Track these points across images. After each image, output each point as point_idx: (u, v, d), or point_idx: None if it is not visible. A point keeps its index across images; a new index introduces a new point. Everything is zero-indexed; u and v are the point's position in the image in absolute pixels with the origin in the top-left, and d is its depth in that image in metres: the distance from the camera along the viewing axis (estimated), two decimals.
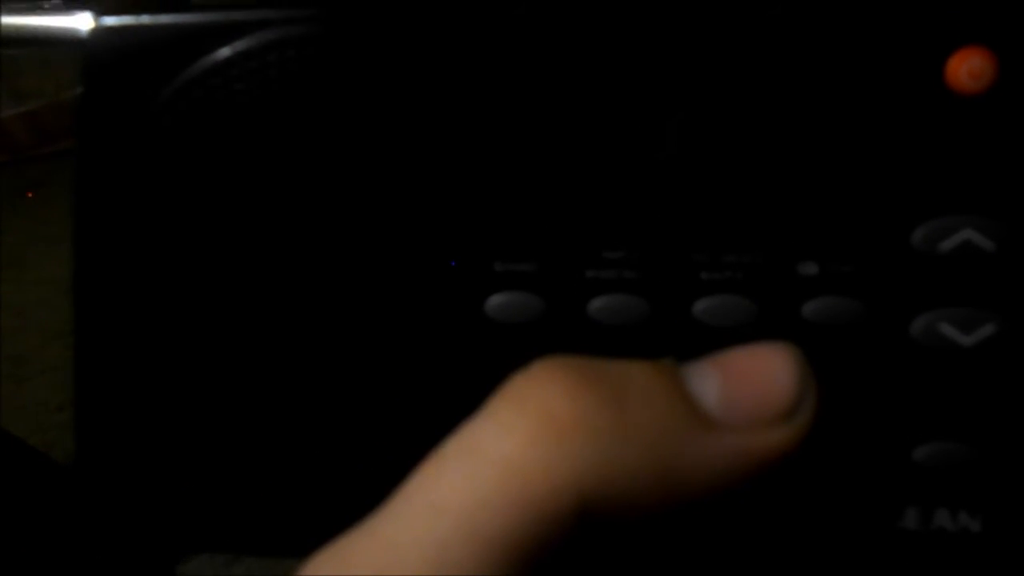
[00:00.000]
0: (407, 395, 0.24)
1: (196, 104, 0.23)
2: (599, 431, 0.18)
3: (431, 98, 0.23)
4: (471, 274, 0.23)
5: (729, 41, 0.22)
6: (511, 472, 0.18)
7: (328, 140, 0.23)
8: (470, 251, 0.23)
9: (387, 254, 0.23)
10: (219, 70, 0.23)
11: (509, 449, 0.18)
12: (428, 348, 0.23)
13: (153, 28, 0.23)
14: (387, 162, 0.23)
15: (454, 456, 0.19)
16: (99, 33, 0.23)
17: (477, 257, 0.23)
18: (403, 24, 0.23)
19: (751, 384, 0.20)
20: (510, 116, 0.23)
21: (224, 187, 0.23)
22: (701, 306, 0.23)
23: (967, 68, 0.22)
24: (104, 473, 0.25)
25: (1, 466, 0.50)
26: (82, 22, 0.24)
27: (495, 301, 0.23)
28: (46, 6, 0.27)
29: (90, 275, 0.24)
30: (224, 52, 0.23)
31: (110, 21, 0.23)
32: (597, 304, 0.23)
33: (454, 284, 0.23)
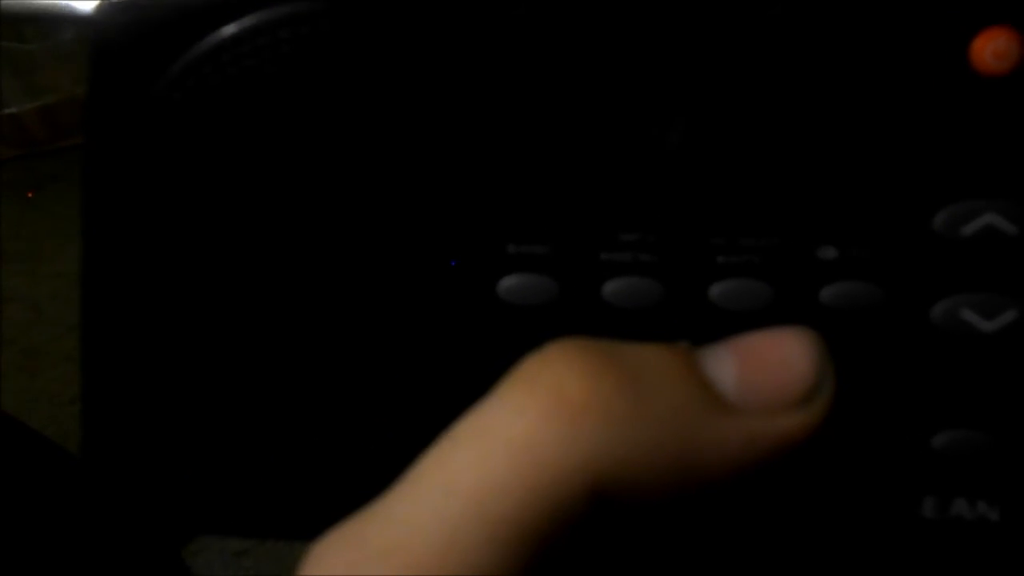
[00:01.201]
0: (419, 378, 0.23)
1: (206, 81, 0.23)
2: (613, 413, 0.18)
3: (447, 77, 0.23)
4: (484, 256, 0.23)
5: (749, 20, 0.22)
6: (522, 453, 0.18)
7: (340, 119, 0.23)
8: (483, 233, 0.23)
9: (400, 235, 0.23)
10: (229, 46, 0.22)
11: (520, 430, 0.18)
12: (440, 330, 0.23)
13: (161, 4, 0.23)
14: (400, 141, 0.23)
15: (465, 437, 0.18)
16: (105, 9, 0.23)
17: (490, 239, 0.23)
18: (417, 2, 0.22)
19: (768, 368, 0.20)
20: (525, 96, 0.22)
21: (235, 166, 0.23)
22: (717, 290, 0.22)
23: (992, 49, 0.21)
24: (111, 459, 0.25)
25: (16, 455, 0.50)
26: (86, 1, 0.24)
27: (508, 283, 0.23)
28: None
29: (99, 255, 0.24)
30: (234, 28, 0.22)
31: None
32: (612, 287, 0.23)
33: (467, 266, 0.23)
